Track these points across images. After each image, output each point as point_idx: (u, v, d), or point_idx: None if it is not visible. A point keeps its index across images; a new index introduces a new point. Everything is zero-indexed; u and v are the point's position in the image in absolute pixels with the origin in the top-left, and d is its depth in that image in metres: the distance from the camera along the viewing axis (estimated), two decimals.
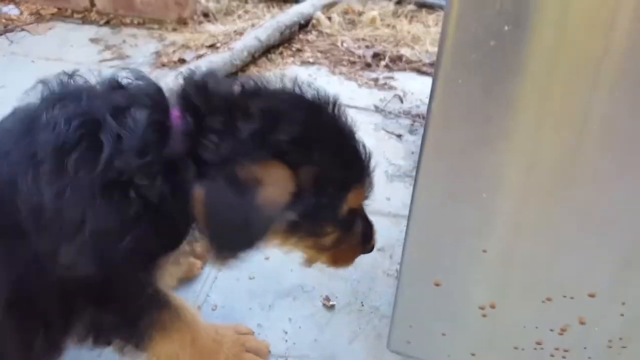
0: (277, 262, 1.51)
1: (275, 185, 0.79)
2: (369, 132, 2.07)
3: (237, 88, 0.88)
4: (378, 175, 1.81)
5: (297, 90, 0.91)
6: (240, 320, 1.34)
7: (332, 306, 1.39)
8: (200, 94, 0.86)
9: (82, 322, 0.92)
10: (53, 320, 0.89)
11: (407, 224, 0.83)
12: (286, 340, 1.30)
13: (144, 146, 0.80)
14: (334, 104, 0.91)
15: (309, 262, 1.15)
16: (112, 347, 1.00)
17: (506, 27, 0.61)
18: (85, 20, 2.79)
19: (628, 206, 0.68)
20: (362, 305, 1.40)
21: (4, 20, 2.71)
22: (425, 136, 0.73)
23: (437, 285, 0.85)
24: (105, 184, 0.79)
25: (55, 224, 0.79)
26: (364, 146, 0.95)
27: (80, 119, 0.80)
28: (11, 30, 2.63)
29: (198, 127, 0.83)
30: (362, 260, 1.52)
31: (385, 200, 1.77)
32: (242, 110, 0.83)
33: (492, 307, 0.84)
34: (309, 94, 0.91)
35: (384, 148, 2.01)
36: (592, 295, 0.75)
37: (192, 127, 0.82)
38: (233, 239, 0.83)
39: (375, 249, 1.56)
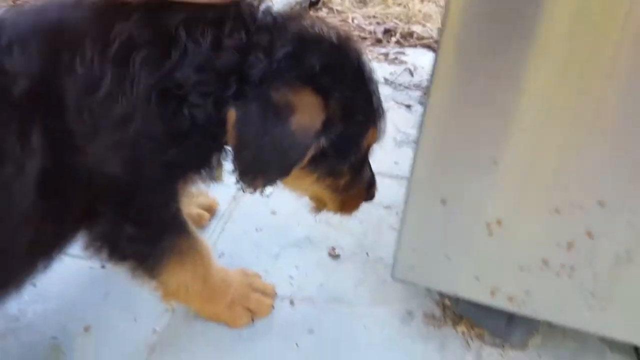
0: (283, 216, 1.52)
1: (308, 112, 0.80)
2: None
3: (276, 14, 0.91)
4: (387, 141, 1.85)
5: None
6: (247, 265, 1.34)
7: (338, 256, 1.39)
8: (251, 11, 0.87)
9: (101, 229, 0.92)
10: (70, 214, 0.89)
11: (417, 138, 0.83)
12: (292, 285, 1.30)
13: (204, 62, 0.81)
14: (356, 44, 0.95)
15: (318, 208, 1.17)
16: (125, 265, 1.00)
17: None
18: None
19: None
20: (368, 255, 1.40)
21: None
22: (440, 42, 0.74)
23: (443, 202, 0.85)
24: (162, 91, 0.80)
25: (102, 111, 0.78)
26: (378, 91, 0.98)
27: (154, 25, 0.80)
28: None
29: (248, 44, 0.83)
30: (369, 215, 1.54)
31: (393, 164, 1.77)
32: (281, 33, 0.85)
33: (499, 223, 0.83)
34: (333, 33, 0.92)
35: (394, 117, 2.01)
36: (601, 204, 0.75)
37: (243, 42, 0.83)
38: (266, 165, 0.83)
39: (382, 207, 1.60)
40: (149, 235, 0.96)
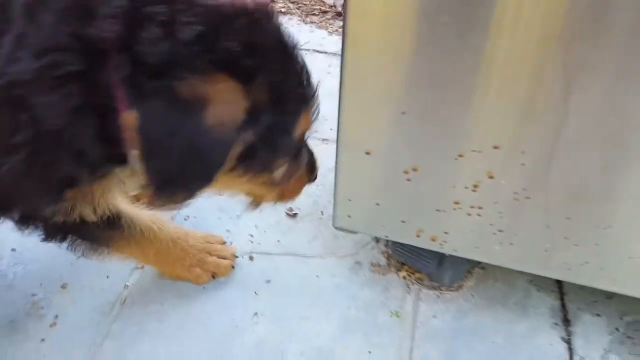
0: None
1: (226, 102, 0.66)
2: (336, 75, 2.17)
3: None
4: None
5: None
6: (211, 228, 1.46)
7: (295, 215, 1.51)
8: None
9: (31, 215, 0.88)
10: None
11: (339, 95, 0.94)
12: (252, 242, 1.42)
13: (51, 41, 0.60)
14: (276, 16, 0.78)
15: (256, 203, 1.06)
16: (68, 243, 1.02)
17: None
18: None
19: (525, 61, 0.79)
20: (322, 214, 1.52)
21: None
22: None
23: (368, 154, 0.97)
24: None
25: None
26: (307, 68, 0.84)
27: None
28: None
29: (134, 15, 0.62)
30: (325, 179, 1.65)
31: None
32: (186, 7, 0.67)
33: (415, 170, 0.95)
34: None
35: None
36: (496, 147, 0.87)
37: (127, 11, 0.62)
38: (182, 175, 0.68)
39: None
40: (66, 232, 0.95)
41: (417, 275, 1.31)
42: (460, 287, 1.30)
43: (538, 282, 1.31)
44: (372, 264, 1.35)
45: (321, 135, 1.84)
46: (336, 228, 1.16)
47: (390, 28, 0.83)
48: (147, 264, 1.29)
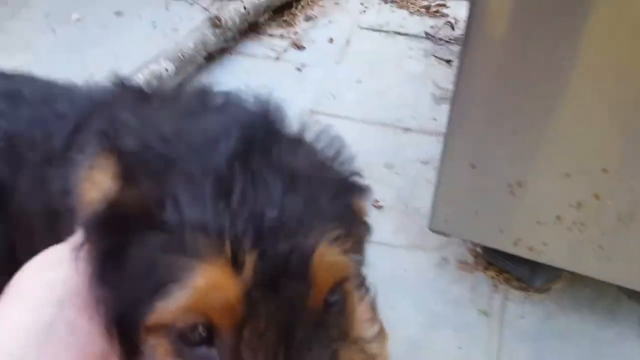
0: None
1: None
2: (418, 59, 2.17)
3: None
4: (425, 97, 1.96)
5: None
6: None
7: (380, 207, 1.56)
8: None
9: None
10: None
11: (450, 110, 0.96)
12: None
13: None
14: None
15: None
16: None
17: None
18: None
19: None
20: (407, 206, 1.56)
21: None
22: (469, 23, 0.85)
23: (473, 167, 0.99)
24: None
25: None
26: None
27: None
28: None
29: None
30: (407, 170, 1.69)
31: (432, 120, 1.89)
32: None
33: (519, 185, 0.97)
34: None
35: (433, 73, 2.10)
36: (604, 170, 0.88)
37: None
38: None
39: (420, 162, 1.74)
40: None
41: (505, 275, 1.33)
42: (548, 289, 1.32)
43: (628, 290, 1.31)
44: (459, 261, 1.38)
45: (401, 123, 1.87)
46: (431, 230, 1.20)
47: (505, 53, 0.84)
48: None
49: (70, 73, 1.17)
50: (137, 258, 0.40)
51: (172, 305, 0.38)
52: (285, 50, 2.22)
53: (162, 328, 0.40)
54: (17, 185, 0.68)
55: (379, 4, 2.50)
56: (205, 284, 0.38)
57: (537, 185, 0.96)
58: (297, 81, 2.05)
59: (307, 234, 0.41)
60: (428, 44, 2.26)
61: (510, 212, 1.03)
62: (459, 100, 0.91)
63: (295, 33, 2.32)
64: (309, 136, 0.53)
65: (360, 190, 0.55)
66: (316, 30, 2.32)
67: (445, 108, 1.97)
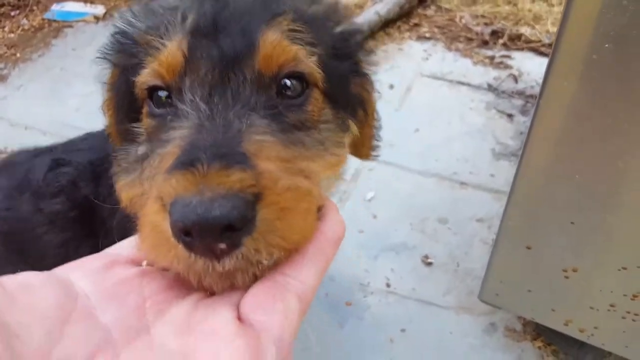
0: (383, 220, 1.72)
1: None
2: (479, 111, 2.17)
3: None
4: (484, 152, 1.96)
5: None
6: (350, 264, 1.57)
7: (430, 264, 1.58)
8: None
9: None
10: None
11: (509, 193, 0.98)
12: (388, 285, 1.51)
13: None
14: None
15: None
16: None
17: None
18: None
19: None
20: (458, 266, 1.57)
21: None
22: (535, 117, 0.87)
23: (529, 248, 1.00)
24: None
25: None
26: None
27: None
28: None
29: None
30: (462, 228, 1.69)
31: (490, 176, 1.88)
32: None
33: (574, 270, 0.97)
34: None
35: (494, 127, 2.10)
36: None
37: None
38: None
39: (475, 220, 1.74)
40: None
41: (553, 347, 1.32)
42: None
43: None
44: (507, 328, 1.38)
45: (458, 177, 1.87)
46: (481, 300, 1.21)
47: (562, 148, 0.86)
48: None
49: None
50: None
51: (145, 71, 0.52)
52: None
53: (144, 94, 0.53)
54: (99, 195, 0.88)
55: (443, 51, 2.53)
56: (163, 53, 0.50)
57: (592, 273, 0.96)
58: None
59: (260, 17, 0.51)
60: (490, 96, 2.26)
61: (564, 294, 1.03)
62: (518, 188, 0.93)
63: None
64: None
65: (354, 32, 0.63)
66: (377, 76, 2.36)
67: (504, 164, 1.99)
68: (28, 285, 0.35)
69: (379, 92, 0.74)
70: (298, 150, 0.48)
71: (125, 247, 0.45)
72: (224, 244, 0.37)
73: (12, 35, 2.73)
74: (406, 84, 2.32)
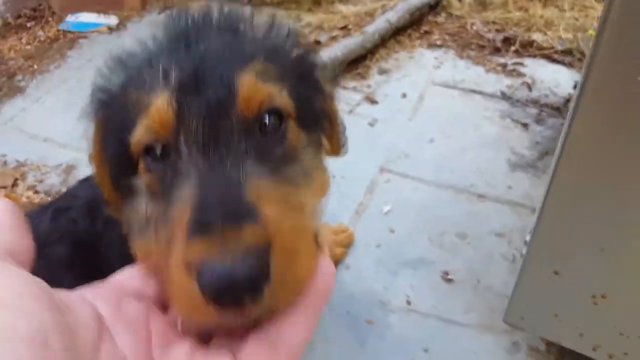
0: (401, 235, 1.71)
1: None
2: (494, 120, 2.16)
3: None
4: (500, 163, 1.95)
5: None
6: (369, 281, 1.56)
7: (450, 280, 1.57)
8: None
9: None
10: None
11: (538, 216, 0.97)
12: (409, 302, 1.50)
13: None
14: None
15: None
16: None
17: None
18: None
19: None
20: (478, 282, 1.56)
21: None
22: (567, 138, 0.86)
23: (556, 273, 1.00)
24: None
25: None
26: None
27: None
28: None
29: None
30: (481, 242, 1.68)
31: (507, 187, 1.87)
32: None
33: (603, 297, 0.96)
34: None
35: (509, 137, 2.09)
36: None
37: None
38: None
39: (494, 234, 1.72)
40: None
41: None
42: None
43: None
44: (530, 348, 1.37)
45: (475, 189, 1.86)
46: (505, 322, 1.20)
47: (598, 167, 0.85)
48: None
49: None
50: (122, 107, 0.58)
51: (139, 130, 0.54)
52: (358, 104, 2.27)
53: (139, 150, 0.55)
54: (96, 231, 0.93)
55: (454, 58, 2.52)
56: (153, 110, 0.52)
57: (622, 300, 0.96)
58: (370, 136, 2.10)
59: (233, 64, 0.55)
60: (504, 105, 2.25)
61: (592, 320, 1.03)
62: (548, 209, 0.92)
63: (369, 86, 2.37)
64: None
65: (310, 54, 0.68)
66: (390, 85, 2.35)
67: (520, 175, 1.97)
68: (69, 297, 0.39)
69: (339, 101, 0.78)
70: (289, 186, 0.52)
71: (127, 278, 0.48)
72: (249, 298, 0.40)
73: (28, 47, 2.75)
74: (418, 93, 2.31)
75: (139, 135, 0.54)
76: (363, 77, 2.44)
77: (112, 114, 0.60)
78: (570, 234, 0.93)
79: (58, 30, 2.84)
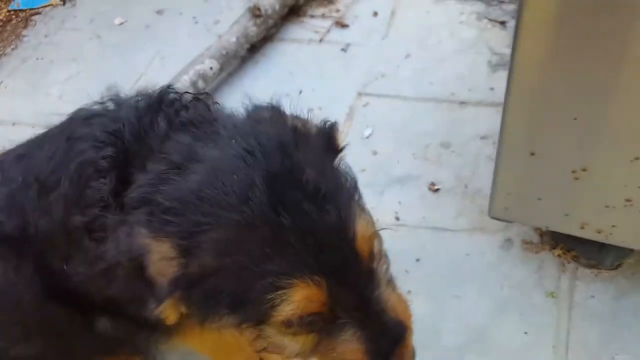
0: (384, 155, 1.66)
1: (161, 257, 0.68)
2: (470, 23, 2.06)
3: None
4: (481, 65, 1.87)
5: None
6: None
7: (438, 190, 1.53)
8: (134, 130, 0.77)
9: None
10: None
11: (505, 100, 0.91)
12: (397, 218, 1.47)
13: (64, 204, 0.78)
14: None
15: None
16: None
17: None
18: None
19: None
20: (466, 187, 1.52)
21: None
22: (522, 7, 0.79)
23: (533, 154, 0.94)
24: None
25: None
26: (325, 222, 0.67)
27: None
28: None
29: (118, 180, 0.74)
30: (465, 148, 1.63)
31: (489, 90, 1.81)
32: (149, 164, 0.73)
33: (584, 170, 0.92)
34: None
35: (487, 38, 2.00)
36: None
37: (113, 185, 0.75)
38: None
39: (479, 138, 1.67)
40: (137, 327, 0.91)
41: (573, 252, 1.28)
42: (619, 265, 1.25)
43: None
44: (524, 242, 1.34)
45: (457, 97, 1.80)
46: (491, 217, 1.17)
47: (557, 36, 0.78)
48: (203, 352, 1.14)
49: (119, 78, 1.21)
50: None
51: (287, 308, 0.65)
52: (328, 31, 2.17)
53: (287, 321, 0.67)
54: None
55: None
56: (302, 296, 0.65)
57: (603, 169, 0.91)
58: (344, 63, 2.01)
59: (348, 224, 0.69)
60: (480, 6, 2.14)
61: (576, 197, 0.99)
62: (513, 91, 0.87)
63: (338, 10, 2.26)
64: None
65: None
66: (359, 5, 2.24)
67: (502, 75, 1.88)
68: None
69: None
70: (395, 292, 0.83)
71: None
72: None
73: None
74: (390, 9, 2.20)
75: (292, 308, 0.65)
76: (331, 1, 2.32)
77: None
78: (540, 107, 0.87)
79: (9, 11, 2.71)
